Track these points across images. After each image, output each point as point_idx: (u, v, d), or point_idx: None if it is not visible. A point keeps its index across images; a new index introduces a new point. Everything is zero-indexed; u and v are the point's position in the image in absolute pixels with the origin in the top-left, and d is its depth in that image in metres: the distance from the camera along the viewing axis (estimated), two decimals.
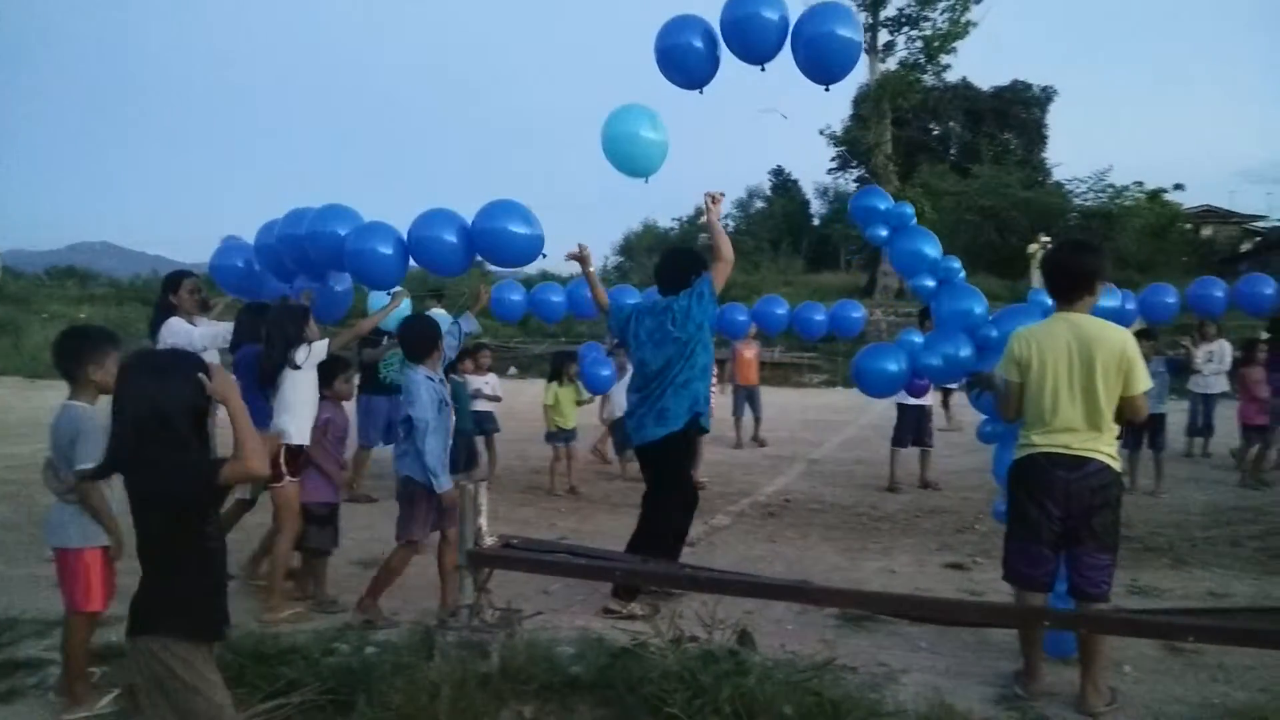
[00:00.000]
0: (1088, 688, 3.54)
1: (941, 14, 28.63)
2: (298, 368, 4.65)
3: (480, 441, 8.15)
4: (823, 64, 4.72)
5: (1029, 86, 35.80)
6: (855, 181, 36.87)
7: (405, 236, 4.91)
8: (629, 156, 5.08)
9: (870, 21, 28.48)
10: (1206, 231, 33.51)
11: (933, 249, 5.60)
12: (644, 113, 5.09)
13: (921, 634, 4.37)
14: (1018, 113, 35.49)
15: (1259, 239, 31.49)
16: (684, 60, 4.91)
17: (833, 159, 37.41)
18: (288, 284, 5.66)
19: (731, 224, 42.29)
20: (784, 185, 42.90)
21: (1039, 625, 3.45)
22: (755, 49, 4.74)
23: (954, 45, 29.05)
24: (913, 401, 8.34)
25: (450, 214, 4.93)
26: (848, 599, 3.76)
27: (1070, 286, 3.69)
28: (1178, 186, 32.35)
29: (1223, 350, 9.96)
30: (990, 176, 29.72)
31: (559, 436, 8.26)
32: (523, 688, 3.38)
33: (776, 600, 4.23)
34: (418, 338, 4.63)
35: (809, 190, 42.12)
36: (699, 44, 4.86)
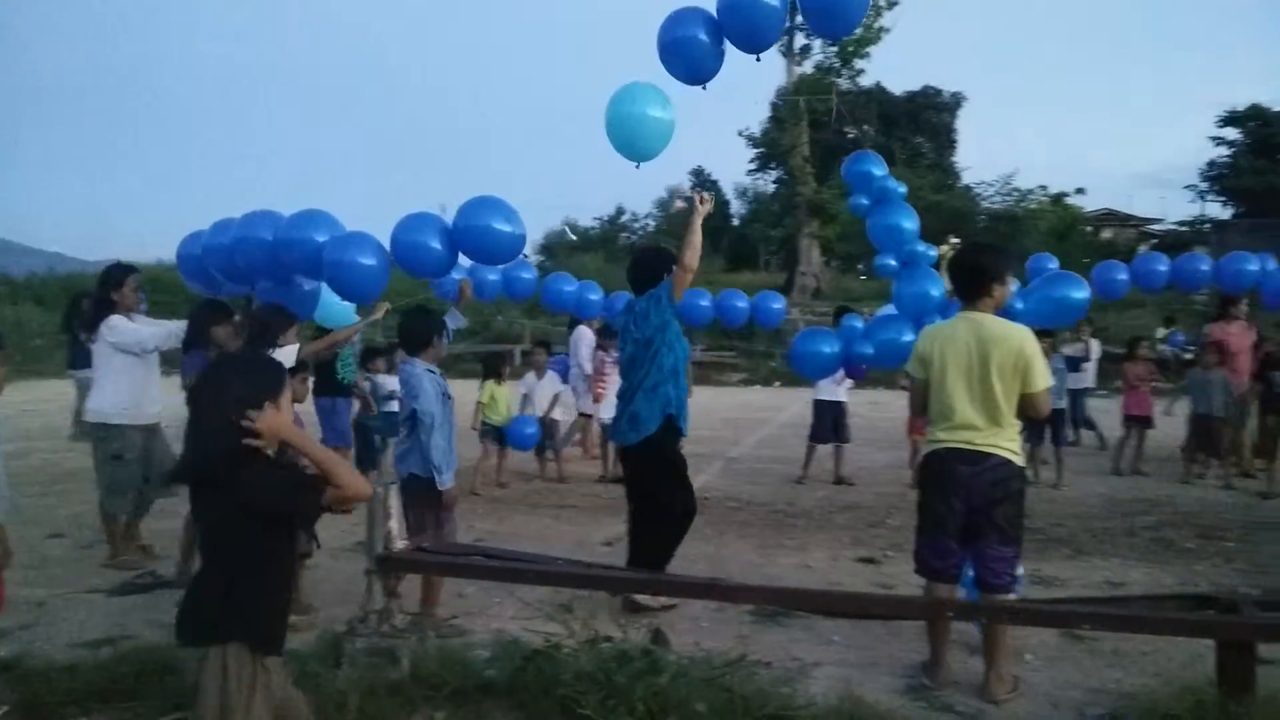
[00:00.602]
0: (991, 676, 3.65)
1: None
2: None
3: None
4: (834, 14, 4.64)
5: (939, 92, 36.71)
6: (774, 183, 37.35)
7: (389, 240, 4.82)
8: (636, 137, 4.90)
9: (788, 25, 28.89)
10: (1107, 234, 34.87)
11: (911, 224, 5.70)
12: (652, 91, 4.89)
13: (834, 627, 4.44)
14: (929, 117, 36.36)
15: (1155, 241, 32.92)
16: (688, 54, 4.73)
17: (751, 160, 37.82)
18: (248, 285, 5.48)
19: (652, 223, 42.47)
20: (704, 185, 43.26)
21: (944, 617, 3.54)
22: (758, 36, 4.63)
23: (868, 50, 29.68)
24: (829, 398, 8.49)
25: (432, 217, 4.85)
26: (759, 595, 3.80)
27: (972, 287, 3.81)
28: (1079, 190, 33.62)
29: (1090, 348, 10.63)
30: (903, 179, 30.42)
31: (493, 435, 8.21)
32: (434, 693, 3.33)
33: (691, 598, 4.24)
34: (413, 330, 4.56)
35: (729, 190, 42.58)
36: (704, 37, 4.68)
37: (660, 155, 5.04)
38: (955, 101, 36.67)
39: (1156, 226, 35.03)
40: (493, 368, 8.51)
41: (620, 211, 44.08)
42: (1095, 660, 4.11)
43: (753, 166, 38.37)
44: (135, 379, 5.37)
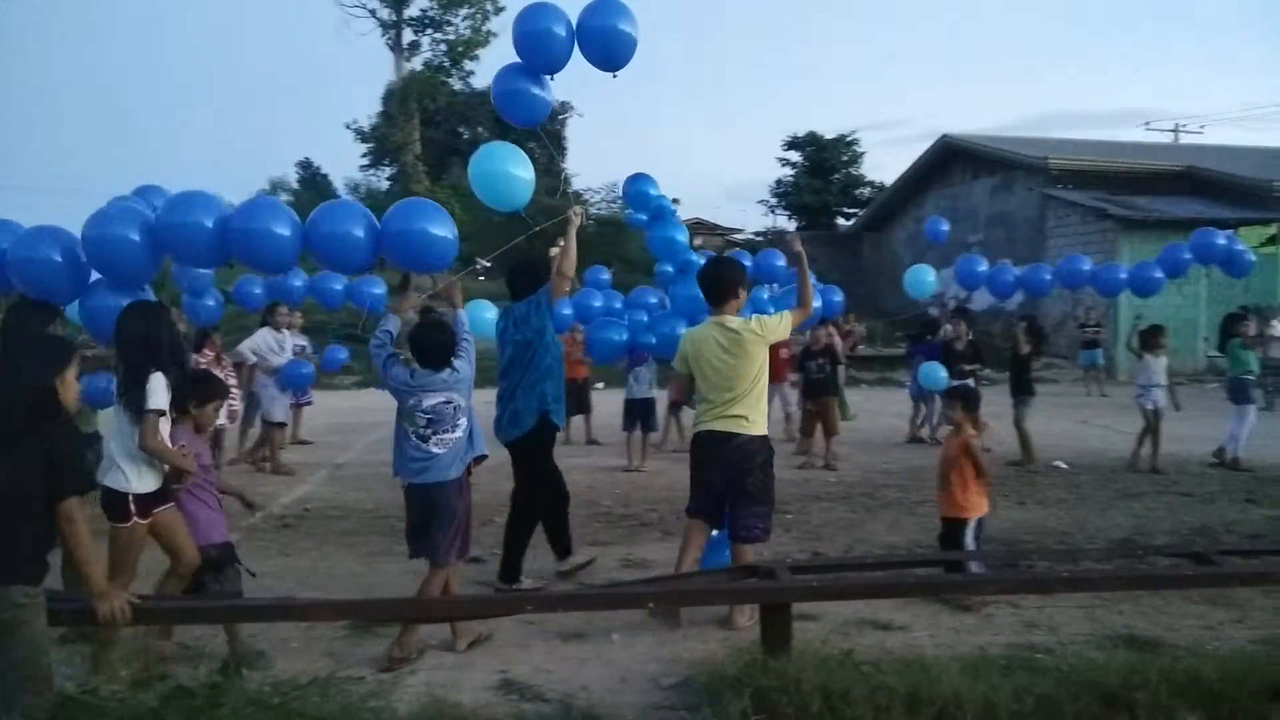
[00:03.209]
0: (734, 612, 4.36)
1: (464, 20, 29.45)
2: None
3: None
4: (609, 54, 5.15)
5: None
6: (388, 180, 36.44)
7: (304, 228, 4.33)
8: (502, 193, 5.20)
9: (394, 19, 28.45)
10: (699, 241, 38.50)
11: (683, 236, 6.48)
12: (511, 151, 5.21)
13: (432, 632, 4.36)
14: (540, 124, 37.64)
15: (737, 249, 36.98)
16: (519, 102, 5.27)
17: (364, 155, 36.60)
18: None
19: None
20: (312, 179, 41.02)
21: (524, 610, 3.65)
22: (549, 60, 5.15)
23: (477, 53, 30.07)
24: None
25: (355, 205, 4.68)
26: (330, 611, 3.67)
27: (714, 294, 4.60)
28: (675, 200, 36.82)
29: None
30: None
31: None
32: None
33: (263, 622, 3.97)
34: (432, 346, 4.28)
35: (340, 185, 40.79)
36: (535, 90, 5.24)
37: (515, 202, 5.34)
38: (564, 110, 38.30)
39: (738, 236, 39.30)
40: None
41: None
42: (671, 633, 4.43)
43: (365, 162, 37.17)
44: None
